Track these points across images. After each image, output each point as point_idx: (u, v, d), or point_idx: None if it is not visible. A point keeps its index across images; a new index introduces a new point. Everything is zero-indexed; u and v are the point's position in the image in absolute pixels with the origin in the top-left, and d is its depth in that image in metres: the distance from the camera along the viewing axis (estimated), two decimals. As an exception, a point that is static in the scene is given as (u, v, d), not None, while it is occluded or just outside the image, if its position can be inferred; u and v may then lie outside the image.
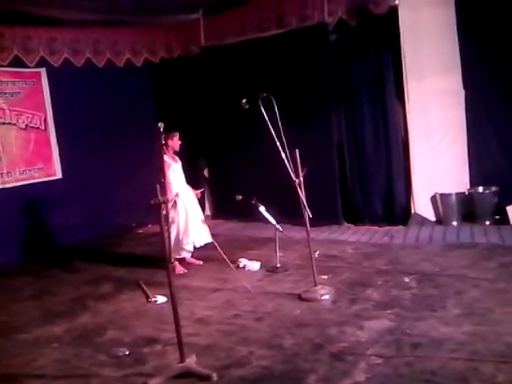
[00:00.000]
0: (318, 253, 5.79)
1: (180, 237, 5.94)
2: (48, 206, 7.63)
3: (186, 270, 5.97)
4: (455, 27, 7.00)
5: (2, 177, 7.39)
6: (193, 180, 8.34)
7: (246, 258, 6.05)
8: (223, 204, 8.57)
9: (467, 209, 6.95)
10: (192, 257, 6.24)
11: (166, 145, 5.91)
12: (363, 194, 7.50)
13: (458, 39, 7.02)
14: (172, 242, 5.86)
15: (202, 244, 6.04)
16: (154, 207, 3.48)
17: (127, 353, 3.99)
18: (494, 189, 6.85)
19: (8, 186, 7.43)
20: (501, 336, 3.63)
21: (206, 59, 8.51)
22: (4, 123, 7.43)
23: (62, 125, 7.93)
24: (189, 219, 6.00)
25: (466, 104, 7.12)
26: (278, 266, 5.74)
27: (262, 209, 5.78)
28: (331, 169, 7.45)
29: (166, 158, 5.82)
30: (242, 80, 7.81)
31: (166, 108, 8.86)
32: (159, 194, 3.51)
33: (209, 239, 5.94)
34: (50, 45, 7.73)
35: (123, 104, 8.48)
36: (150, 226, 8.13)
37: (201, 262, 6.22)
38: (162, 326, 4.39)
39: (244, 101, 4.90)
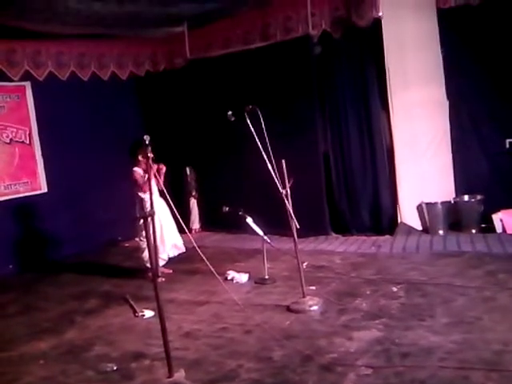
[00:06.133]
0: (306, 264, 5.79)
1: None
2: (33, 221, 7.58)
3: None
4: (438, 38, 7.08)
5: (-13, 192, 7.33)
6: (179, 193, 8.37)
7: (234, 270, 6.03)
8: (210, 216, 8.54)
9: (453, 217, 7.00)
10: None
11: (137, 159, 6.08)
12: (350, 204, 7.52)
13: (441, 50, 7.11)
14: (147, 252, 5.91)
15: (176, 254, 6.29)
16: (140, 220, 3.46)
17: (115, 368, 3.94)
18: (479, 197, 6.90)
19: (-7, 200, 7.36)
20: (489, 344, 3.65)
21: (191, 72, 8.51)
22: (-12, 138, 7.38)
23: (47, 139, 7.89)
24: (163, 230, 6.10)
25: (449, 114, 7.18)
26: (266, 277, 5.72)
27: (249, 220, 5.77)
28: (318, 179, 7.46)
29: (140, 170, 6.06)
30: (228, 92, 7.82)
31: (152, 121, 8.85)
32: (144, 207, 3.49)
33: (182, 249, 6.25)
34: (34, 58, 7.71)
35: (108, 117, 8.47)
36: (136, 239, 8.07)
37: (170, 271, 6.33)
38: (149, 341, 4.34)
39: (230, 113, 4.91)
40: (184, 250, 6.28)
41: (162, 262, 6.20)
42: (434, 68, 7.11)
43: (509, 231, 6.54)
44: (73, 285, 6.41)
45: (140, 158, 6.04)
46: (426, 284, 5.04)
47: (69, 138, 7.98)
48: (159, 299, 3.50)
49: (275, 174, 4.78)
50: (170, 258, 6.33)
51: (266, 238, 5.76)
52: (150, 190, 5.21)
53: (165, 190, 5.29)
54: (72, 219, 7.96)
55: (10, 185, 7.58)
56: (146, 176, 5.82)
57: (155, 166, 5.77)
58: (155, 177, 5.69)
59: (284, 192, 4.81)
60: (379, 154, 7.18)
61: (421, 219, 7.19)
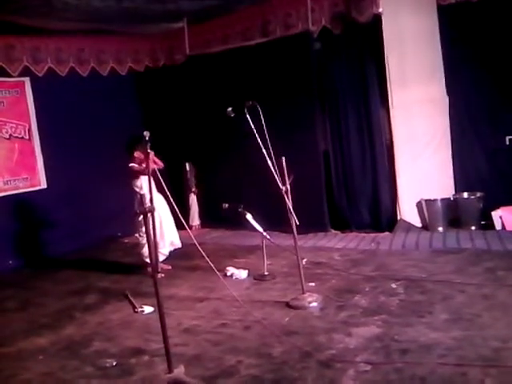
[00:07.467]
0: (305, 260, 5.78)
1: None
2: (33, 217, 7.58)
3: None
4: (438, 35, 7.08)
5: (-14, 187, 7.32)
6: (179, 189, 8.36)
7: (234, 266, 6.03)
8: (210, 212, 8.54)
9: (453, 214, 7.00)
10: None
11: (133, 156, 6.11)
12: (349, 200, 7.52)
13: (441, 46, 7.10)
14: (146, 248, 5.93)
15: (172, 249, 6.34)
16: (140, 216, 3.45)
17: (114, 364, 3.94)
18: (478, 194, 6.90)
19: (-8, 196, 7.36)
20: (488, 341, 3.65)
21: (191, 68, 8.49)
22: (-13, 133, 7.37)
23: (47, 134, 7.87)
24: (163, 224, 6.15)
25: (449, 111, 7.18)
26: (266, 273, 5.72)
27: (248, 217, 5.76)
28: (317, 176, 7.45)
29: (136, 165, 6.10)
30: (228, 88, 7.80)
31: (152, 117, 8.83)
32: (144, 203, 3.49)
33: (178, 245, 6.32)
34: (33, 54, 7.69)
35: (108, 113, 8.44)
36: (135, 235, 8.07)
37: (169, 267, 6.32)
38: (149, 337, 4.34)
39: (230, 109, 4.90)
40: (180, 246, 6.32)
41: (161, 258, 6.22)
42: (434, 64, 7.11)
43: (508, 228, 6.54)
44: (72, 281, 6.41)
45: (135, 154, 6.04)
46: (425, 281, 5.04)
47: (68, 134, 7.96)
48: (159, 295, 3.50)
49: (275, 170, 4.77)
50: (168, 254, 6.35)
51: (265, 234, 5.76)
52: (150, 186, 5.19)
53: (161, 180, 5.30)
54: (71, 215, 7.94)
55: (10, 180, 7.58)
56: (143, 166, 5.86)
57: (151, 154, 5.80)
58: (154, 163, 5.74)
59: (284, 189, 4.80)
60: (379, 151, 7.17)
61: (420, 216, 7.19)
